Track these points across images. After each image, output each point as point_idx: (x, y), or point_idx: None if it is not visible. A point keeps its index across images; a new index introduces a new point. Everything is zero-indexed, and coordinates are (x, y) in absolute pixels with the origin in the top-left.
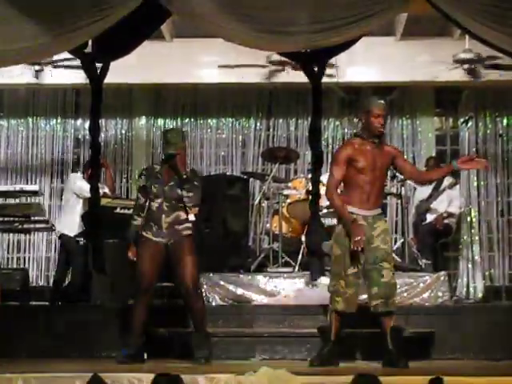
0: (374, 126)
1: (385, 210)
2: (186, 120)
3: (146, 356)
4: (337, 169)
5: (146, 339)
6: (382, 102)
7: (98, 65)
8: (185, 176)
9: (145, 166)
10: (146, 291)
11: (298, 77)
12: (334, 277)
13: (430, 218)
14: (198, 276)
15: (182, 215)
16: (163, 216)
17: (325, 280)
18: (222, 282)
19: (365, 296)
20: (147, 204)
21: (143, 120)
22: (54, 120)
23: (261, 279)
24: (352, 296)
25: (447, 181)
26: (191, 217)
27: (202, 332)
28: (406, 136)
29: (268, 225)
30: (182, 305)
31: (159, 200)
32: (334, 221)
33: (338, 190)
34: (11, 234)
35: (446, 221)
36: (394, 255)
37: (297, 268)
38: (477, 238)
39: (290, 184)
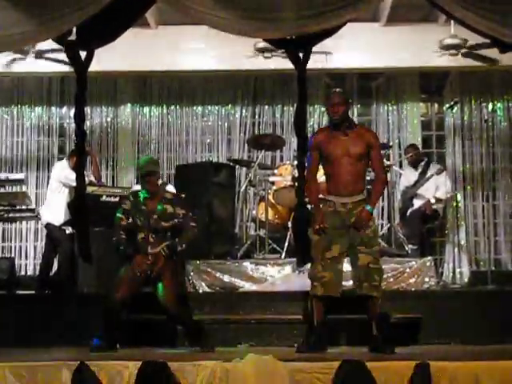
0: (330, 115)
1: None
2: (172, 107)
3: (118, 346)
4: (310, 158)
5: (132, 326)
6: (337, 90)
7: (83, 52)
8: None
9: (132, 191)
10: (117, 301)
11: (284, 63)
12: (312, 262)
13: (417, 203)
14: (177, 297)
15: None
16: (149, 247)
17: None
18: (208, 269)
19: (348, 283)
20: (133, 232)
21: (128, 108)
22: (39, 108)
23: (248, 266)
24: (330, 280)
25: (434, 167)
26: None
27: (191, 326)
28: (391, 122)
29: (254, 212)
30: None
31: (144, 232)
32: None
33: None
34: None
35: (433, 206)
36: (379, 240)
37: (283, 254)
38: (463, 223)
39: (275, 171)
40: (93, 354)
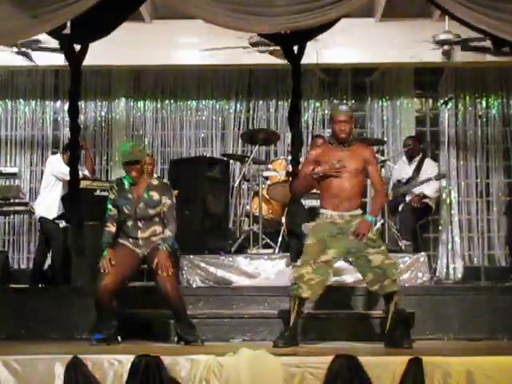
0: (337, 133)
1: (365, 191)
2: (166, 102)
3: (120, 339)
4: (304, 165)
5: (125, 321)
6: (344, 107)
7: (77, 46)
8: (155, 193)
9: (116, 178)
10: (105, 288)
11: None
12: (301, 264)
13: (408, 198)
14: (177, 284)
15: (158, 229)
16: (139, 232)
17: None
18: (202, 264)
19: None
20: (121, 219)
21: (123, 102)
22: (33, 102)
23: (241, 261)
24: (318, 283)
25: (432, 168)
26: (167, 232)
27: (185, 320)
28: (386, 117)
29: (248, 206)
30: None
31: (132, 219)
32: (314, 202)
33: None
34: None
35: (424, 200)
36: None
37: (277, 249)
38: (456, 219)
39: (269, 166)
40: (90, 348)
